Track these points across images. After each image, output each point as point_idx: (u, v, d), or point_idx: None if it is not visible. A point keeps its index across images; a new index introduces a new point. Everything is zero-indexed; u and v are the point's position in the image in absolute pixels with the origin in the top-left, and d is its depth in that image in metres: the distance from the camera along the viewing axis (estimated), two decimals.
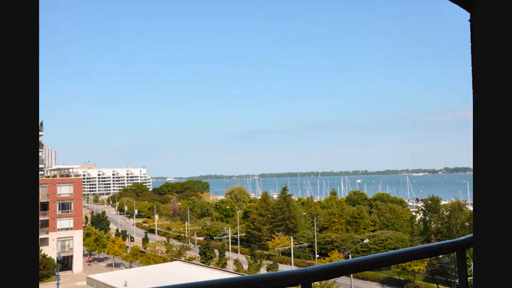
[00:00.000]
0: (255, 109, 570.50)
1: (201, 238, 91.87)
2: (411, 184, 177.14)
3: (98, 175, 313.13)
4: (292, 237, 69.92)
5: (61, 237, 72.95)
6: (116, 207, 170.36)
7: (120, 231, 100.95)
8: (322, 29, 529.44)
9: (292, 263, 67.32)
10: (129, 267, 68.97)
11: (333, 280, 49.25)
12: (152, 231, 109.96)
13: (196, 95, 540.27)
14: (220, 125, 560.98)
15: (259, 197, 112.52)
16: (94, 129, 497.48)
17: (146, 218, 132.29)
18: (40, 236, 69.17)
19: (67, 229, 73.92)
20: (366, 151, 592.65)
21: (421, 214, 74.97)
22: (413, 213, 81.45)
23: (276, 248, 75.10)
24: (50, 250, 69.68)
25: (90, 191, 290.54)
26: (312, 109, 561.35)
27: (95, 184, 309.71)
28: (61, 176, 78.45)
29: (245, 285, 1.92)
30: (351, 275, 51.53)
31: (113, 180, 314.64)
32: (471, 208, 75.11)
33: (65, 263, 74.16)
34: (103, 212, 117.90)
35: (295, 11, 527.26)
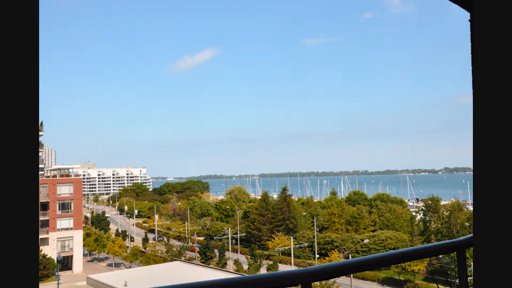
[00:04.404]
0: (256, 111, 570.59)
1: (201, 238, 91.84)
2: (411, 184, 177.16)
3: (98, 175, 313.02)
4: (292, 237, 69.89)
5: (61, 237, 72.92)
6: (116, 207, 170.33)
7: (120, 231, 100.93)
8: (320, 32, 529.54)
9: (292, 263, 67.30)
10: (129, 267, 68.97)
11: (333, 280, 49.24)
12: (152, 231, 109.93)
13: (196, 96, 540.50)
14: (220, 126, 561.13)
15: (259, 197, 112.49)
16: (94, 129, 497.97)
17: (146, 218, 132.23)
18: (40, 236, 69.15)
19: (67, 229, 73.89)
20: (366, 151, 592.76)
21: (421, 214, 74.93)
22: (413, 213, 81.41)
23: (276, 248, 75.08)
24: (50, 250, 69.66)
25: (90, 191, 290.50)
26: (313, 110, 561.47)
27: (95, 184, 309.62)
28: (61, 176, 78.39)
29: (245, 285, 1.92)
30: (351, 275, 51.53)
31: (113, 180, 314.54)
32: (471, 208, 75.14)
33: (65, 263, 74.13)
34: (103, 212, 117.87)
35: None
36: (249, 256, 68.17)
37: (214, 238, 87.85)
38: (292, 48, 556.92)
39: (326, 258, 67.45)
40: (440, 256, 52.59)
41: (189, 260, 64.44)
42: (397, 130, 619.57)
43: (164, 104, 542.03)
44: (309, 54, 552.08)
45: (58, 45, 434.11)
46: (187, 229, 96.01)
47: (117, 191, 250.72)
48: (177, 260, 58.99)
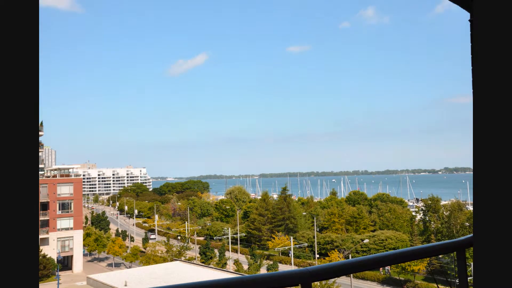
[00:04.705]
0: (256, 111, 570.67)
1: (201, 238, 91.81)
2: (411, 184, 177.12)
3: (98, 175, 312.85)
4: (292, 237, 69.88)
5: (61, 237, 72.90)
6: (116, 207, 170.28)
7: (120, 231, 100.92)
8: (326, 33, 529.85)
9: (292, 263, 67.28)
10: (129, 267, 68.94)
11: (333, 280, 49.22)
12: (152, 231, 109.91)
13: (196, 97, 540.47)
14: (220, 126, 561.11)
15: (259, 197, 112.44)
16: (94, 129, 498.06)
17: (146, 218, 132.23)
18: (40, 236, 69.12)
19: (67, 229, 73.86)
20: (366, 151, 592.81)
21: (421, 214, 74.93)
22: (413, 213, 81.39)
23: (276, 248, 75.05)
24: (50, 250, 69.63)
25: (90, 191, 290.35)
26: (313, 110, 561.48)
27: (95, 184, 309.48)
28: (61, 176, 78.36)
29: (245, 285, 1.92)
30: (351, 275, 51.51)
31: (113, 180, 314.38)
32: (471, 208, 75.06)
33: (65, 263, 74.12)
34: (103, 212, 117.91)
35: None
36: (249, 256, 68.15)
37: (214, 238, 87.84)
38: (292, 48, 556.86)
39: (326, 258, 67.44)
40: (440, 256, 52.58)
41: (189, 260, 64.43)
42: (397, 130, 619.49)
43: (164, 104, 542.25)
44: (309, 53, 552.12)
45: (58, 46, 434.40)
46: (187, 229, 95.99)
47: (117, 191, 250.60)
48: (177, 260, 58.97)
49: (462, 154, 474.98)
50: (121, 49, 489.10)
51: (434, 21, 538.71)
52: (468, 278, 2.85)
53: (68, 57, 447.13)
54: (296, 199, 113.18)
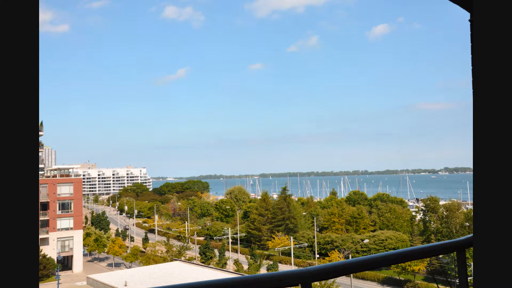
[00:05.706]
0: (256, 112, 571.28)
1: (201, 238, 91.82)
2: (411, 184, 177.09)
3: (98, 175, 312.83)
4: (292, 237, 69.88)
5: (61, 237, 72.90)
6: (116, 207, 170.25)
7: (120, 231, 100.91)
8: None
9: (292, 263, 67.28)
10: (129, 267, 68.95)
11: (333, 280, 49.24)
12: (152, 231, 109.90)
13: (196, 99, 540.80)
14: (221, 127, 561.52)
15: (259, 197, 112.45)
16: (94, 129, 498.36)
17: (146, 218, 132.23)
18: (40, 236, 69.11)
19: (67, 229, 73.86)
20: (366, 151, 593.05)
21: (421, 214, 74.93)
22: (413, 213, 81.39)
23: (276, 248, 75.05)
24: (50, 250, 69.64)
25: (90, 191, 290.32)
26: (313, 110, 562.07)
27: (95, 184, 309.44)
28: (61, 176, 78.38)
29: (245, 285, 1.92)
30: (351, 275, 51.52)
31: (113, 180, 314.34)
32: (470, 208, 75.09)
33: (65, 263, 74.12)
34: (103, 212, 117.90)
35: None
36: (249, 256, 68.17)
37: (214, 238, 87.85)
38: (290, 48, 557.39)
39: (326, 258, 67.43)
40: (440, 256, 52.60)
41: (189, 260, 64.44)
42: (397, 130, 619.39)
43: (164, 105, 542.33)
44: (309, 53, 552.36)
45: (59, 45, 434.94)
46: (187, 229, 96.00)
47: (117, 191, 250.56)
48: (177, 260, 58.98)
49: (462, 154, 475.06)
50: (121, 52, 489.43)
51: (436, 24, 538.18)
52: (468, 278, 2.85)
53: (68, 58, 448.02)
54: (296, 199, 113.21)
